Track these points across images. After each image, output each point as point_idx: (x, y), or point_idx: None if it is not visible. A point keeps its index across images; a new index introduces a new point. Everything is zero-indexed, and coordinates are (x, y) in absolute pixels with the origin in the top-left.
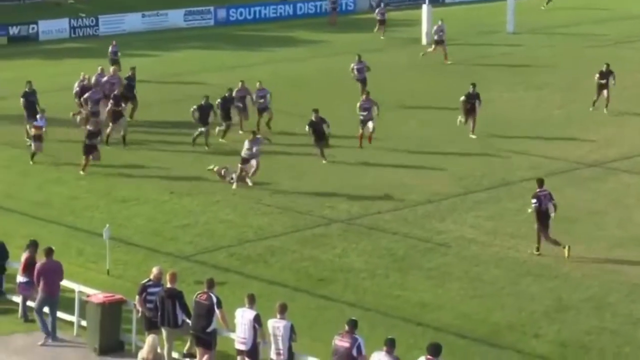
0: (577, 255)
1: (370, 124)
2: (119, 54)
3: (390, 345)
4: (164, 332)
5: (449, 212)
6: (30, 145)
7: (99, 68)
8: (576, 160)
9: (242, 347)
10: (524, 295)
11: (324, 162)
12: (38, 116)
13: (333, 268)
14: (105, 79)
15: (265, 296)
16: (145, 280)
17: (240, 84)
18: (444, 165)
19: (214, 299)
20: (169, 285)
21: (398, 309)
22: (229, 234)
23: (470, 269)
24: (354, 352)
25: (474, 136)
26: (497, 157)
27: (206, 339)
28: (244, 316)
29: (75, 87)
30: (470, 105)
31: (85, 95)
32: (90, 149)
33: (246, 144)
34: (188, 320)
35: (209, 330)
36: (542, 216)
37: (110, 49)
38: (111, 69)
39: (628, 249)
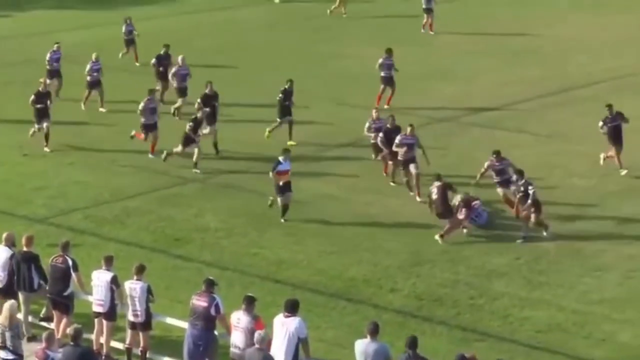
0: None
1: (412, 168)
2: (135, 32)
3: (249, 302)
4: (20, 296)
5: (307, 169)
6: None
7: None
8: (429, 115)
9: (100, 310)
10: (380, 250)
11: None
12: (281, 158)
13: (189, 228)
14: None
15: (122, 257)
16: None
17: (391, 119)
18: (301, 121)
19: (70, 262)
20: (24, 249)
21: (255, 266)
22: (84, 196)
23: (327, 225)
24: (212, 311)
25: (624, 171)
26: (351, 114)
27: (63, 303)
28: (100, 278)
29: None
30: (615, 131)
31: (140, 107)
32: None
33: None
34: (44, 284)
35: (65, 293)
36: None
37: (124, 28)
38: (93, 54)
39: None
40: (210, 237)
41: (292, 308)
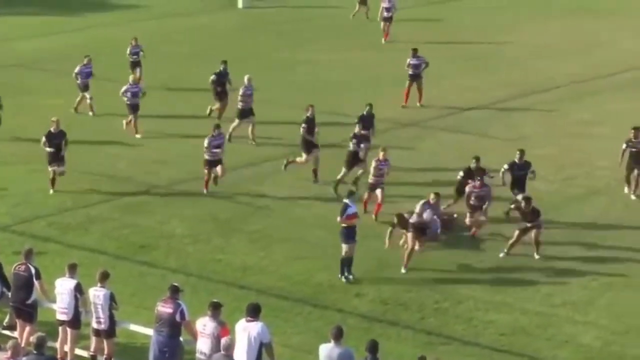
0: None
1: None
2: (142, 53)
3: (215, 308)
4: None
5: (269, 175)
6: None
7: (86, 58)
8: (393, 119)
9: (64, 318)
10: None
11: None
12: (348, 200)
13: (155, 234)
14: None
15: (86, 265)
16: None
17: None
18: (267, 122)
19: (33, 270)
20: None
21: (220, 273)
22: (48, 203)
23: (293, 230)
24: (177, 318)
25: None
26: (318, 119)
27: (26, 311)
28: (63, 285)
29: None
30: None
31: (206, 144)
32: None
33: (417, 208)
34: (7, 292)
35: (29, 302)
36: None
37: (129, 49)
38: (130, 77)
39: None
40: (176, 243)
41: (253, 312)
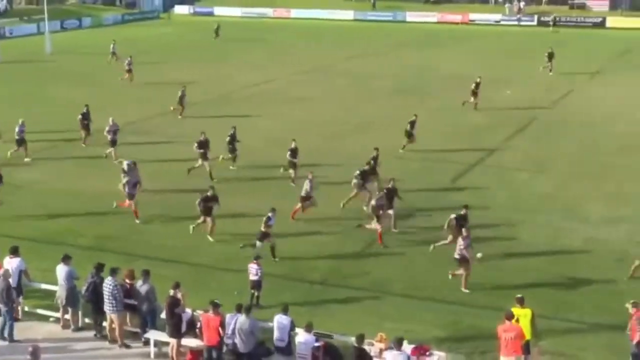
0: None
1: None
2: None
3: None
4: None
5: (35, 166)
6: None
7: None
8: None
9: None
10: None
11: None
12: (270, 214)
13: None
14: None
15: None
16: None
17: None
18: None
19: None
20: None
21: None
22: None
23: (37, 199)
24: None
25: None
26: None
27: None
28: None
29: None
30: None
31: (124, 181)
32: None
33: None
34: None
35: None
36: None
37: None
38: None
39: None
40: None
41: (14, 252)
